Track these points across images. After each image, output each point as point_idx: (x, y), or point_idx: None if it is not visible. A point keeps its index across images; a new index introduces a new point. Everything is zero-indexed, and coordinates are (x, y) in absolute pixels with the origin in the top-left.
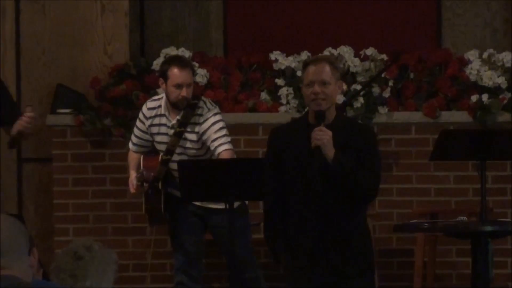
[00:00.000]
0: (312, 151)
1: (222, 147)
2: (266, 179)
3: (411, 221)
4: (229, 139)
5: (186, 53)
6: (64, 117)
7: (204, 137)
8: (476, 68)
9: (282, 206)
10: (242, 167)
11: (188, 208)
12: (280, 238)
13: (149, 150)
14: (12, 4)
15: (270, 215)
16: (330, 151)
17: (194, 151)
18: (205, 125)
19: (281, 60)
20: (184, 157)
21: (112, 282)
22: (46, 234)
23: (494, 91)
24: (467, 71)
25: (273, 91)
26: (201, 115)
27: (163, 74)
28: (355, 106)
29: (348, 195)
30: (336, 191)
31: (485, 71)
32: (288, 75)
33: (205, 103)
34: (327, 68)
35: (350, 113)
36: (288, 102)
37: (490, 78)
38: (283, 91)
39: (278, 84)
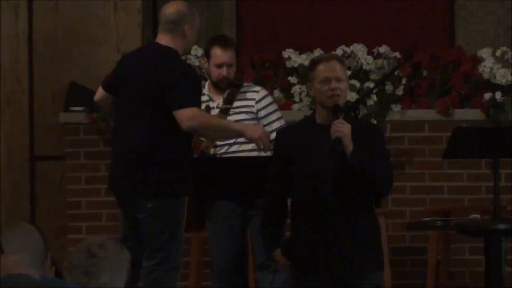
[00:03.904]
0: (332, 144)
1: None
2: (269, 179)
3: (424, 219)
4: (283, 122)
5: (198, 51)
6: (77, 115)
7: (260, 114)
8: (489, 66)
9: (281, 207)
10: (254, 165)
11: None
12: (277, 242)
13: None
14: (25, 3)
15: (268, 213)
16: (350, 144)
17: (244, 122)
18: (263, 102)
19: (294, 57)
20: None
21: (125, 280)
22: (59, 232)
23: (507, 89)
24: (480, 69)
25: (286, 88)
26: (256, 91)
27: (207, 53)
28: (368, 104)
29: (362, 191)
30: (349, 187)
31: (498, 69)
32: (301, 72)
33: (252, 84)
34: (338, 65)
35: (363, 111)
36: (301, 100)
37: (503, 76)
38: (296, 89)
39: (291, 81)
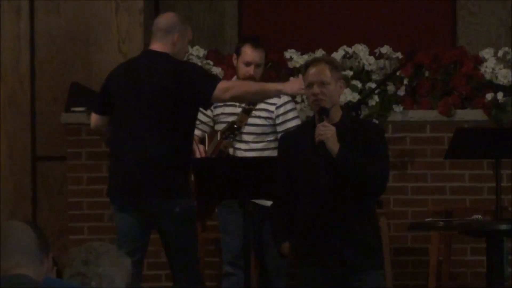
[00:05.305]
0: (316, 148)
1: None
2: (277, 181)
3: (426, 220)
4: None
5: (200, 51)
6: (78, 115)
7: (278, 120)
8: (491, 66)
9: (289, 207)
10: (256, 166)
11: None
12: (286, 235)
13: (204, 135)
14: (27, 3)
15: (277, 214)
16: (334, 146)
17: (262, 128)
18: (282, 109)
19: (295, 58)
20: (250, 136)
21: (125, 282)
22: (60, 232)
23: (509, 89)
24: (482, 69)
25: None
26: (277, 96)
27: (237, 50)
28: (370, 104)
29: (355, 190)
30: (343, 187)
31: (500, 69)
32: (303, 73)
33: None
34: (326, 68)
35: (364, 111)
36: (303, 100)
37: (505, 76)
38: None
39: None
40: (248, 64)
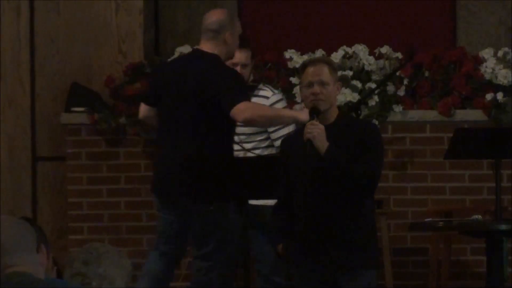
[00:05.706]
0: (304, 146)
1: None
2: (278, 184)
3: (426, 220)
4: (291, 128)
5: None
6: (78, 115)
7: None
8: (491, 66)
9: (288, 209)
10: (253, 166)
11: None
12: (282, 235)
13: None
14: (27, 3)
15: (275, 217)
16: (322, 144)
17: (253, 128)
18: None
19: (295, 58)
20: (241, 137)
21: (125, 282)
22: (60, 232)
23: (509, 89)
24: (482, 69)
25: (288, 89)
26: (266, 97)
27: None
28: (369, 105)
29: (345, 189)
30: (332, 186)
31: (500, 69)
32: (300, 73)
33: (268, 87)
34: (325, 69)
35: (364, 111)
36: (303, 100)
37: (505, 76)
38: (298, 90)
39: (292, 82)
40: (234, 65)
